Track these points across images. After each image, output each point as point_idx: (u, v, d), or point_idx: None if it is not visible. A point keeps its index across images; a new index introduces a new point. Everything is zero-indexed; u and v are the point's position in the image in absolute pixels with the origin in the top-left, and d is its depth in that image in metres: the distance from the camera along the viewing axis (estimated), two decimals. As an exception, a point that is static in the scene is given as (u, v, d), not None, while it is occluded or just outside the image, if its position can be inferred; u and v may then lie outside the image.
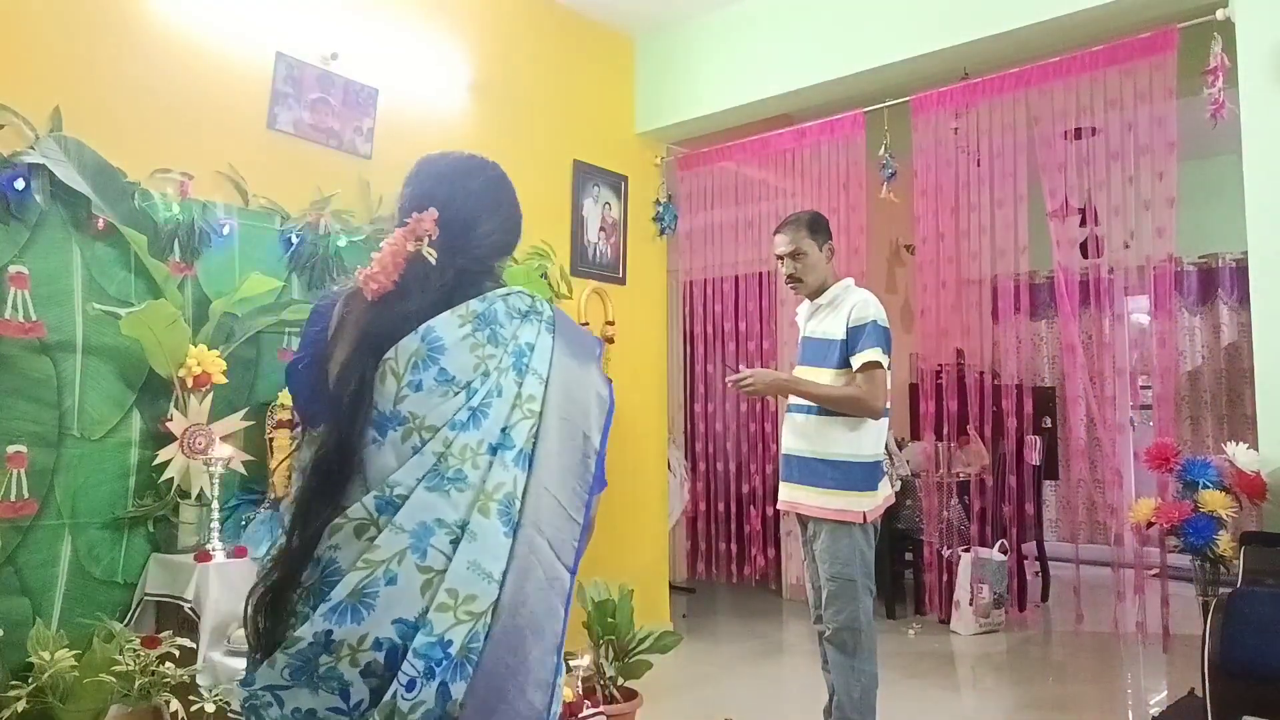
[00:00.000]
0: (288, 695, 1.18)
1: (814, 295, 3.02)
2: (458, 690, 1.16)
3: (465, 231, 1.41)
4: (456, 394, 1.28)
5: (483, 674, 1.18)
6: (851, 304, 2.89)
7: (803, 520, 2.99)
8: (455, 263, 1.37)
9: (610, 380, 1.43)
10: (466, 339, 1.31)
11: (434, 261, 1.35)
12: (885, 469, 2.97)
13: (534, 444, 1.30)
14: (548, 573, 1.29)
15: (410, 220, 1.37)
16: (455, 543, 1.21)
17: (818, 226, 3.01)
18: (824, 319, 2.97)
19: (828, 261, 3.00)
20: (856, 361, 2.83)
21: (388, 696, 1.14)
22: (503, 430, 1.28)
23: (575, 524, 1.34)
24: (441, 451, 1.25)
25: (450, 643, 1.17)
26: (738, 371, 3.04)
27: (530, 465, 1.28)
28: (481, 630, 1.19)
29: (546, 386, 1.33)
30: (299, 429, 3.05)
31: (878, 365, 2.80)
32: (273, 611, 1.23)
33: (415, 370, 1.29)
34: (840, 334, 2.88)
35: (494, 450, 1.27)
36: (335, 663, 1.16)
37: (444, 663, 1.16)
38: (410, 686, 1.14)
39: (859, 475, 2.84)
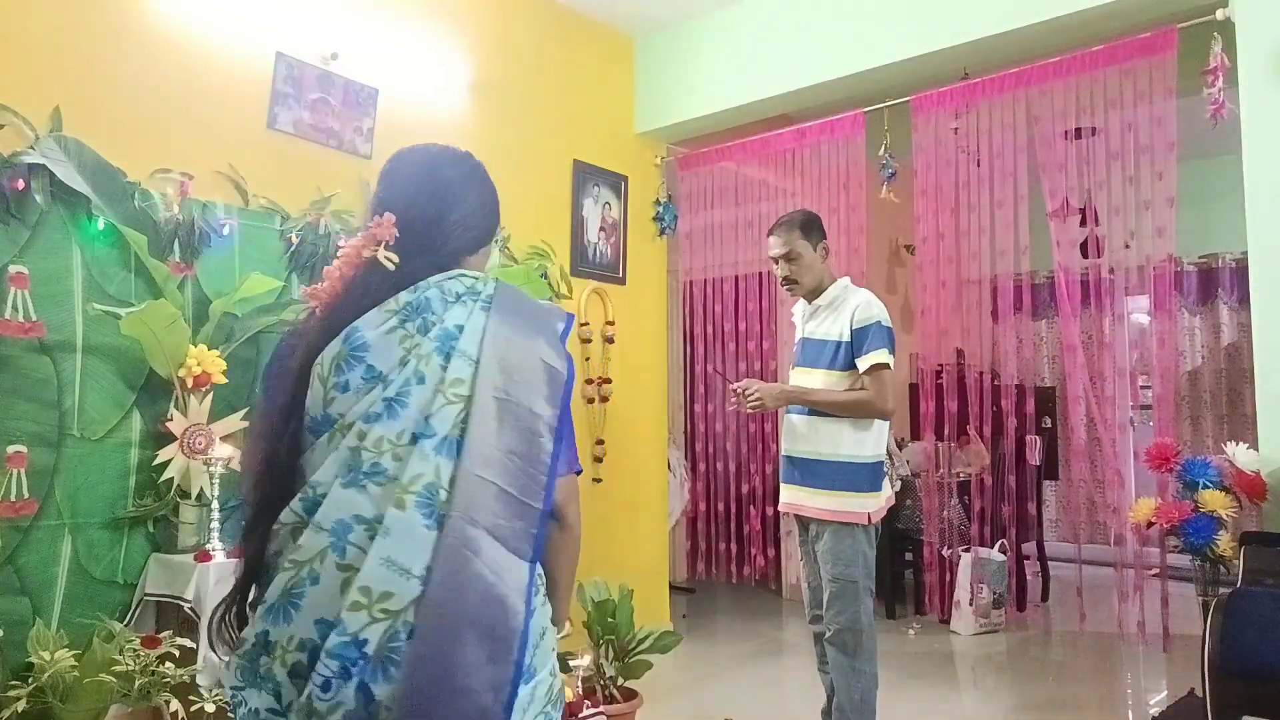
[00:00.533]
0: (244, 695, 1.20)
1: (811, 296, 3.00)
2: (381, 691, 1.12)
3: (432, 228, 1.38)
4: (374, 388, 1.24)
5: (409, 674, 1.12)
6: (854, 305, 2.88)
7: (802, 521, 2.98)
8: (420, 261, 1.34)
9: (568, 354, 1.34)
10: (393, 332, 1.27)
11: (392, 267, 1.32)
12: (885, 469, 2.97)
13: (463, 429, 1.21)
14: (491, 565, 1.17)
15: (370, 225, 1.35)
16: (371, 539, 1.17)
17: (811, 227, 2.98)
18: (824, 320, 2.96)
19: (823, 261, 2.99)
20: (863, 363, 2.82)
21: (302, 698, 1.14)
22: (423, 417, 1.22)
23: (530, 509, 1.22)
24: (355, 445, 1.21)
25: (365, 642, 1.13)
26: (731, 382, 3.02)
27: (459, 451, 1.20)
28: (402, 629, 1.13)
29: (477, 367, 1.25)
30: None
31: (885, 367, 2.80)
32: (236, 618, 1.28)
33: (340, 371, 1.26)
34: (842, 335, 2.87)
35: (415, 439, 1.21)
36: (271, 663, 1.18)
37: (360, 663, 1.12)
38: (325, 687, 1.12)
39: (863, 476, 2.84)
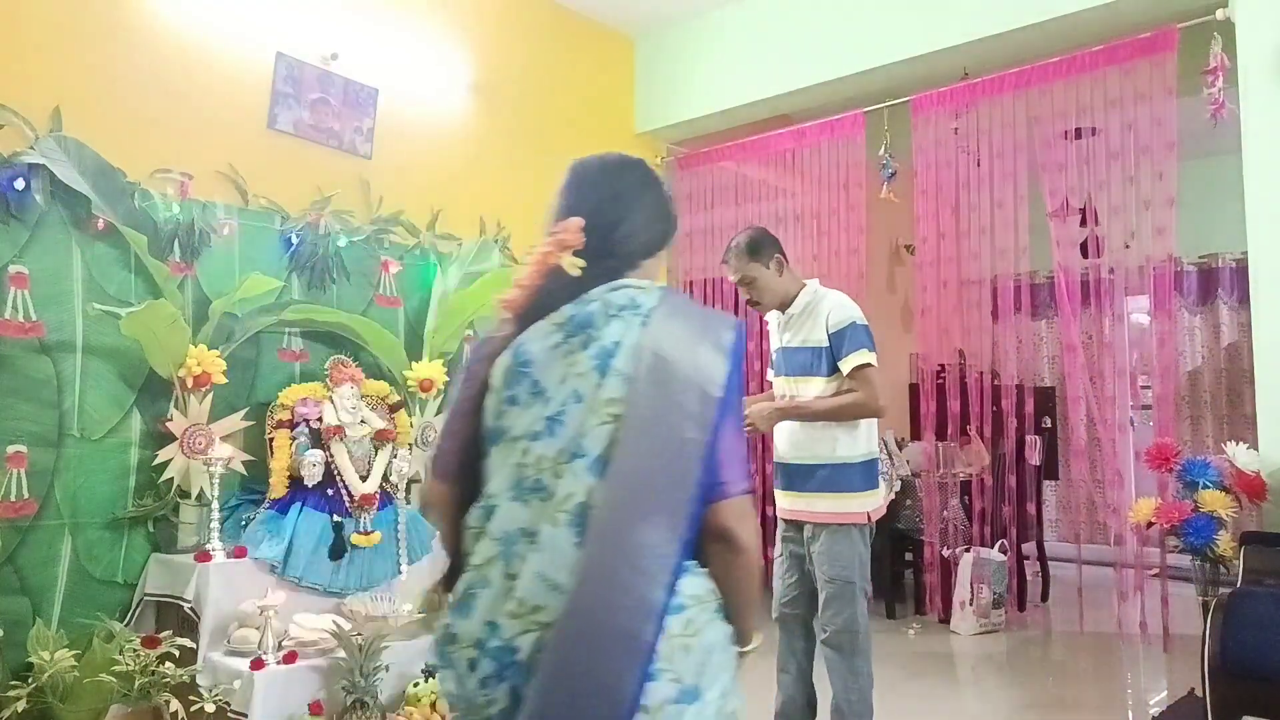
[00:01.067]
0: (441, 674, 1.30)
1: (782, 307, 2.98)
2: (528, 694, 1.17)
3: (609, 234, 1.39)
4: (537, 404, 1.28)
5: (550, 683, 1.16)
6: (828, 309, 2.86)
7: (796, 523, 2.97)
8: (598, 268, 1.35)
9: (735, 364, 1.29)
10: (558, 347, 1.30)
11: (577, 273, 1.33)
12: (882, 466, 2.97)
13: (612, 449, 1.22)
14: (625, 591, 1.18)
15: (555, 230, 1.37)
16: (531, 552, 1.22)
17: (759, 247, 2.94)
18: (801, 328, 2.94)
19: (780, 275, 2.94)
20: (846, 365, 2.81)
21: (468, 689, 1.23)
22: (580, 438, 1.24)
23: (669, 535, 1.19)
24: (520, 461, 1.26)
25: (518, 649, 1.19)
26: None
27: (605, 471, 1.21)
28: (551, 640, 1.17)
29: (631, 385, 1.24)
30: (296, 428, 3.07)
31: (869, 365, 2.80)
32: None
33: (509, 385, 1.31)
34: (821, 341, 2.87)
35: (571, 458, 1.23)
36: (455, 652, 1.26)
37: (512, 667, 1.19)
38: (483, 684, 1.21)
39: (859, 475, 2.83)
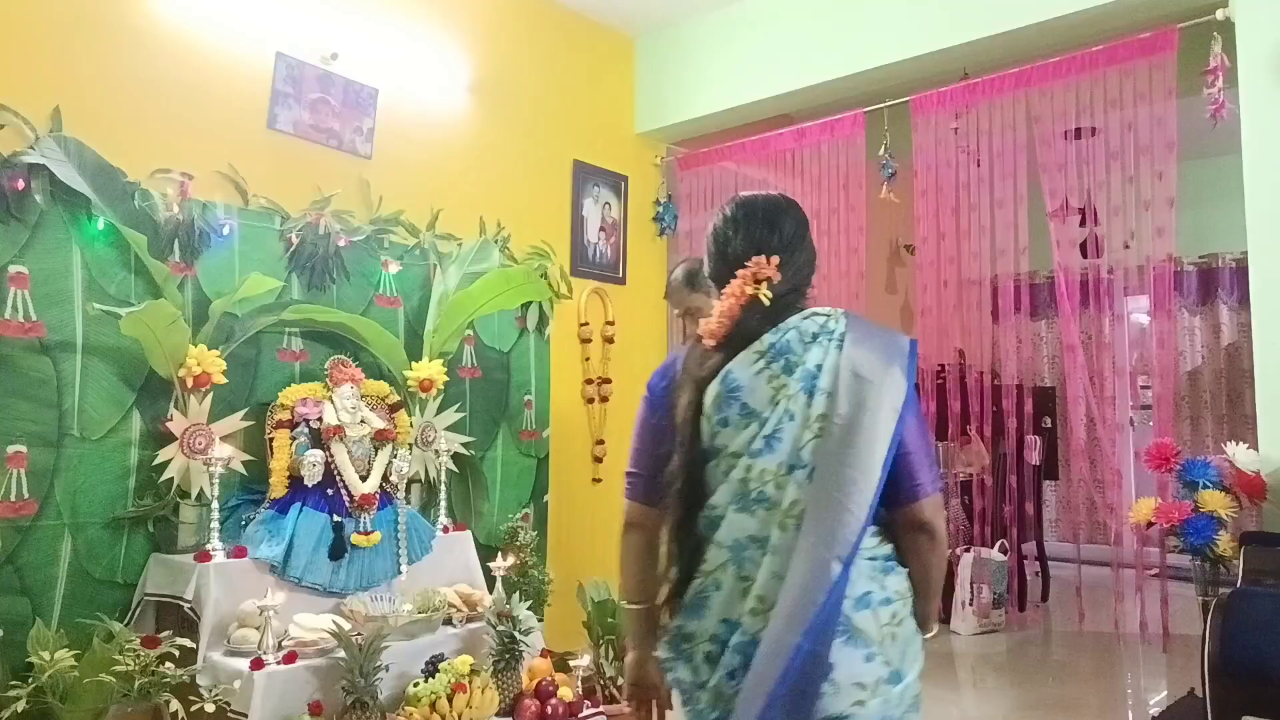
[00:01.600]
0: (673, 665, 1.51)
1: None
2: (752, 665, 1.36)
3: (788, 266, 1.55)
4: (751, 424, 1.45)
5: (792, 670, 1.32)
6: None
7: None
8: (783, 300, 1.52)
9: (911, 382, 1.48)
10: (761, 373, 1.47)
11: (768, 303, 1.50)
12: None
13: (818, 457, 1.41)
14: (823, 571, 1.36)
15: (750, 265, 1.51)
16: (763, 556, 1.40)
17: (695, 277, 2.87)
18: None
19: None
20: None
21: (714, 680, 1.41)
22: (795, 451, 1.42)
23: (857, 527, 1.37)
24: (744, 476, 1.44)
25: (759, 641, 1.36)
26: None
27: (812, 478, 1.40)
28: (771, 617, 1.36)
29: (832, 401, 1.42)
30: (296, 428, 3.07)
31: None
32: (669, 607, 1.54)
33: (719, 410, 1.48)
34: None
35: (790, 470, 1.42)
36: (691, 648, 1.47)
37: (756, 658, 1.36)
38: (730, 675, 1.39)
39: None
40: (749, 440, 1.44)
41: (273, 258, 3.28)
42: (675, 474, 1.51)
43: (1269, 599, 2.49)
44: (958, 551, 4.90)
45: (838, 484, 1.38)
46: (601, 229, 4.68)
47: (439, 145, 3.94)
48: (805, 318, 1.50)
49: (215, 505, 2.79)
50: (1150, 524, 3.09)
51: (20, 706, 2.39)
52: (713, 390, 1.48)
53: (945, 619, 4.95)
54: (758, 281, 1.50)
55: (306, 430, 3.06)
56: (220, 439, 2.94)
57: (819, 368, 1.44)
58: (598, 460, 4.51)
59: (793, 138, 4.63)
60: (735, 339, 1.49)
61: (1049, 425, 5.80)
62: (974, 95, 4.01)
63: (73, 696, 2.43)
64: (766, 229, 1.56)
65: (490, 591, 3.23)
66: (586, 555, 4.23)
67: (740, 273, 1.51)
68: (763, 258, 1.51)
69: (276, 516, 2.94)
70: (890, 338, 1.51)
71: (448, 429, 3.65)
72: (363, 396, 3.22)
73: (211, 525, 2.79)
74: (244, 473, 3.07)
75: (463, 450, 3.73)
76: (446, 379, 3.59)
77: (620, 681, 3.23)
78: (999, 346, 4.64)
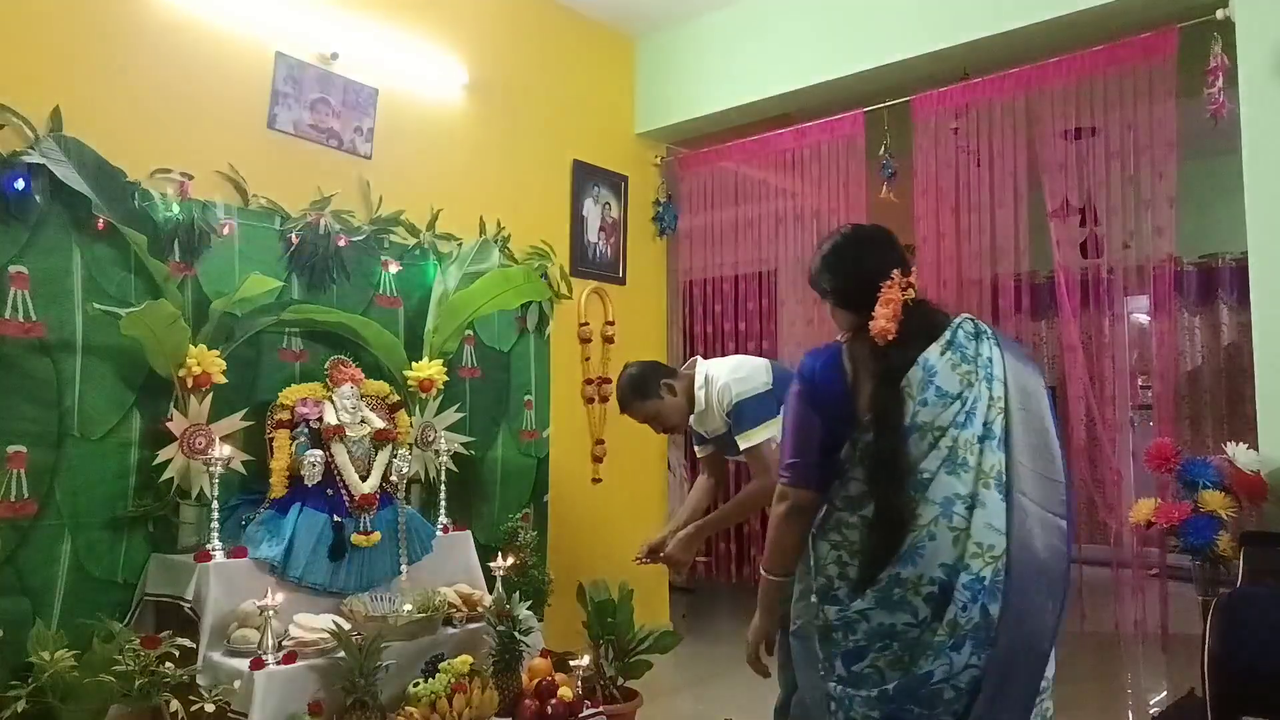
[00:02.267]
0: (873, 614, 1.77)
1: (692, 409, 3.00)
2: (994, 609, 1.70)
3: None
4: (951, 403, 1.78)
5: (1011, 595, 1.70)
6: (716, 395, 2.87)
7: None
8: (919, 309, 1.90)
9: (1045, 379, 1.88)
10: (948, 361, 1.81)
11: (912, 306, 1.87)
12: None
13: (1006, 431, 1.78)
14: (1041, 522, 1.75)
15: (894, 278, 1.86)
16: (970, 509, 1.73)
17: (641, 386, 2.99)
18: (705, 421, 2.98)
19: (675, 394, 2.97)
20: (742, 449, 2.82)
21: (950, 615, 1.70)
22: (985, 425, 1.77)
23: (1056, 484, 1.78)
24: (951, 446, 1.76)
25: (983, 578, 1.70)
26: (643, 561, 3.06)
27: (1006, 447, 1.77)
28: (1001, 567, 1.71)
29: (1006, 387, 1.81)
30: (296, 428, 3.07)
31: (758, 445, 2.78)
32: (868, 562, 1.79)
33: (921, 391, 1.79)
34: (723, 428, 2.90)
35: (982, 440, 1.76)
36: (904, 593, 1.74)
37: (981, 592, 1.70)
38: (964, 608, 1.70)
39: None
40: (954, 416, 1.76)
41: (273, 258, 3.28)
42: (876, 448, 1.79)
43: (1269, 599, 2.49)
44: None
45: (1038, 454, 1.79)
46: (601, 229, 4.68)
47: (439, 145, 3.94)
48: (960, 321, 1.87)
49: (215, 505, 2.80)
50: (1150, 524, 3.08)
51: (20, 706, 2.39)
52: (916, 375, 1.79)
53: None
54: (903, 290, 1.85)
55: (306, 430, 3.07)
56: (220, 439, 2.94)
57: (990, 360, 1.82)
58: (598, 460, 4.51)
59: (793, 138, 4.63)
60: (910, 334, 1.82)
61: (1049, 425, 5.79)
62: (974, 95, 4.01)
63: (73, 696, 2.43)
64: (891, 250, 1.96)
65: (490, 591, 3.23)
66: (586, 555, 4.23)
67: (889, 284, 1.85)
68: (898, 274, 1.87)
69: (276, 516, 2.94)
70: (1024, 344, 1.93)
71: (448, 429, 3.66)
72: (363, 396, 3.22)
73: (211, 525, 2.79)
74: (244, 473, 3.07)
75: (463, 450, 3.74)
76: (446, 379, 3.59)
77: (621, 681, 3.24)
78: (999, 346, 4.63)
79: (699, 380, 2.96)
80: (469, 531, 3.49)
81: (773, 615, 2.04)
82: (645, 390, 2.99)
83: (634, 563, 3.11)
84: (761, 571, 2.00)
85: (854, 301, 1.93)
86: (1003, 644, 1.70)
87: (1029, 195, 4.04)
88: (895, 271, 1.86)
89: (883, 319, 1.82)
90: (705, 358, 3.08)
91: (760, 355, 5.16)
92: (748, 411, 2.80)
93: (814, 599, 1.86)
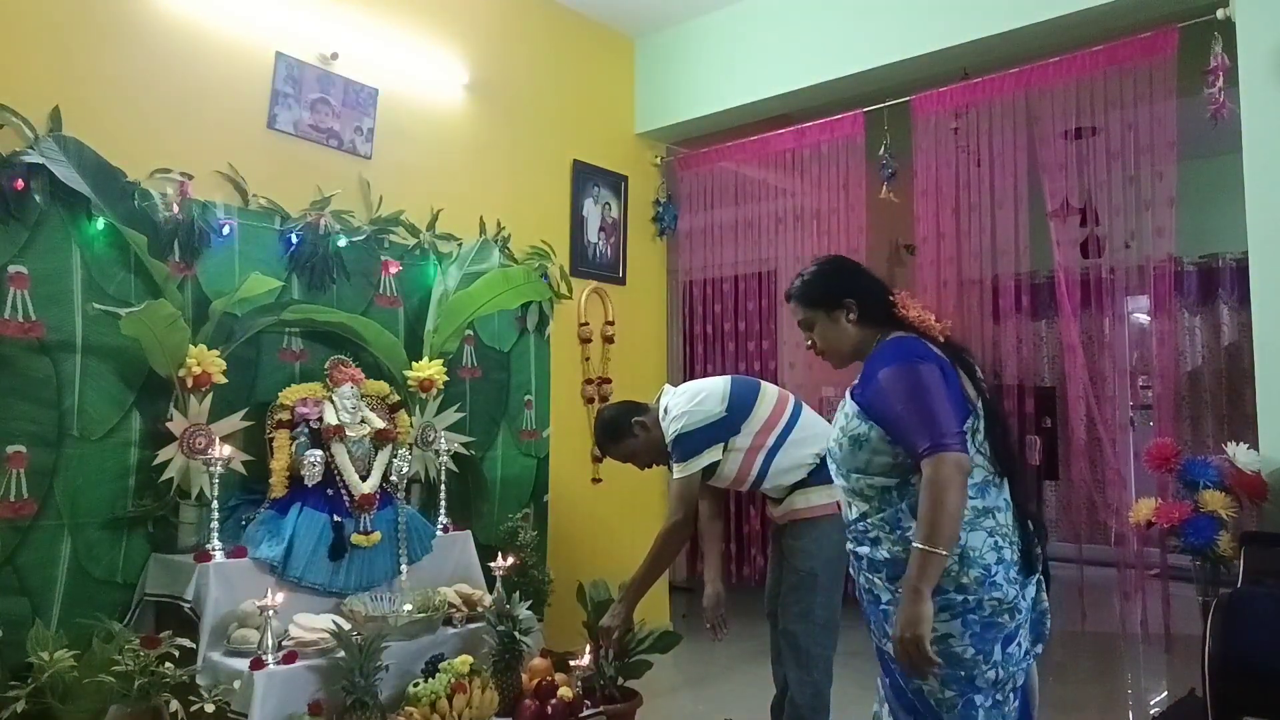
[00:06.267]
0: (1028, 587, 1.89)
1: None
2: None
3: None
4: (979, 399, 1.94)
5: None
6: (667, 427, 2.89)
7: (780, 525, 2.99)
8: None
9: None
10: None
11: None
12: None
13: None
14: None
15: (903, 292, 2.01)
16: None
17: (615, 430, 3.01)
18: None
19: (646, 430, 2.98)
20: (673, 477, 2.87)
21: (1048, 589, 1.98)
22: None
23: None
24: (982, 438, 1.91)
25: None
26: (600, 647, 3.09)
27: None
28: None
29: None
30: (296, 428, 3.07)
31: (681, 478, 2.82)
32: (1029, 545, 1.90)
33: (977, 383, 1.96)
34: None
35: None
36: (1037, 565, 1.92)
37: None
38: (1045, 587, 1.97)
39: (824, 471, 2.83)
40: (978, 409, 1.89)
41: (273, 258, 3.28)
42: (1001, 436, 1.91)
43: (1269, 599, 2.49)
44: (958, 552, 4.89)
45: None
46: (601, 229, 4.68)
47: (439, 145, 3.94)
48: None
49: (215, 505, 2.79)
50: (1150, 524, 3.08)
51: (20, 707, 2.39)
52: (976, 368, 1.97)
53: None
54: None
55: (306, 430, 3.06)
56: (220, 439, 2.93)
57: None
58: (598, 460, 4.51)
59: (793, 138, 4.63)
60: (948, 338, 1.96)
61: (1049, 425, 5.79)
62: (974, 95, 4.01)
63: (72, 697, 2.43)
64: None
65: (490, 591, 3.23)
66: (586, 555, 4.23)
67: (904, 295, 1.99)
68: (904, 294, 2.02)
69: (276, 516, 2.94)
70: None
71: (448, 429, 3.65)
72: (363, 396, 3.22)
73: (211, 525, 2.79)
74: (244, 473, 3.07)
75: (463, 450, 3.73)
76: (446, 379, 3.59)
77: (621, 681, 3.23)
78: (999, 346, 4.63)
79: (660, 412, 2.97)
80: (469, 531, 3.49)
81: (929, 598, 1.76)
82: (618, 432, 3.01)
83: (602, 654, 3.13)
84: (921, 547, 1.73)
85: (876, 311, 1.99)
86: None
87: (1029, 195, 4.03)
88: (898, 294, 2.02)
89: (939, 324, 1.95)
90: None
91: (759, 355, 5.21)
92: (685, 444, 2.82)
93: (974, 592, 1.80)
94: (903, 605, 1.76)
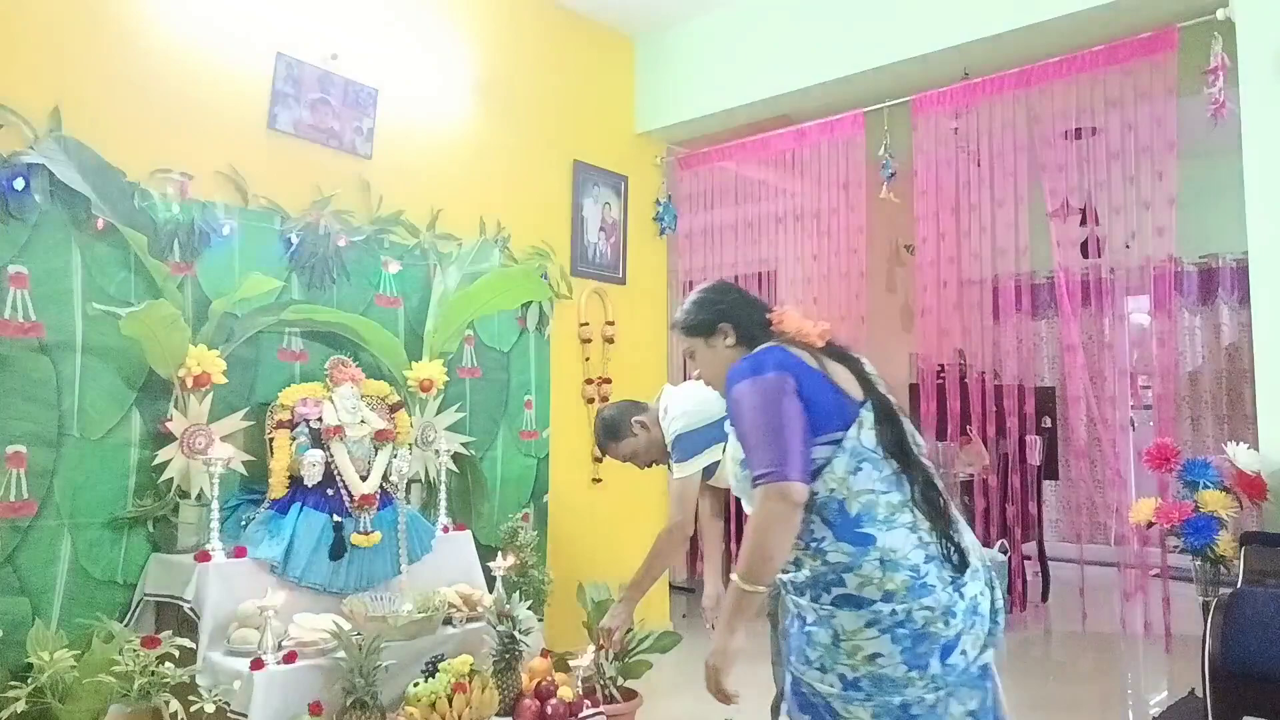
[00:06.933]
0: (968, 589, 1.70)
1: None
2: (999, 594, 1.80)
3: None
4: None
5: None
6: (667, 427, 2.90)
7: None
8: None
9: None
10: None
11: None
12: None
13: None
14: None
15: (781, 306, 1.92)
16: None
17: (615, 429, 3.01)
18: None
19: (646, 429, 2.98)
20: (673, 478, 2.87)
21: (997, 594, 1.79)
22: None
23: None
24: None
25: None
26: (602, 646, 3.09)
27: None
28: None
29: None
30: (296, 428, 3.07)
31: (681, 478, 2.82)
32: (955, 538, 1.73)
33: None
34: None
35: None
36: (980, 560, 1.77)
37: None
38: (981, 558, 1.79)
39: None
40: None
41: (273, 258, 3.28)
42: (895, 429, 1.74)
43: (1269, 599, 2.49)
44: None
45: None
46: (601, 229, 4.68)
47: (439, 145, 3.94)
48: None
49: (215, 505, 2.79)
50: (1150, 524, 3.09)
51: (20, 707, 2.39)
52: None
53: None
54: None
55: (306, 430, 3.06)
56: (220, 439, 2.94)
57: None
58: (598, 460, 4.51)
59: (793, 138, 4.63)
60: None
61: (1049, 425, 5.79)
62: (974, 95, 4.01)
63: (72, 697, 2.43)
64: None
65: (490, 591, 3.23)
66: (586, 555, 4.23)
67: (782, 311, 1.88)
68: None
69: (276, 516, 2.94)
70: None
71: (448, 429, 3.65)
72: (363, 396, 3.22)
73: (211, 525, 2.78)
74: (244, 473, 3.07)
75: (463, 450, 3.73)
76: (446, 379, 3.59)
77: (621, 681, 3.23)
78: (999, 346, 4.63)
79: (660, 412, 2.97)
80: (469, 531, 3.49)
81: (738, 633, 1.74)
82: (618, 432, 3.01)
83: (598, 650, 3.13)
84: (738, 582, 1.68)
85: (755, 330, 1.89)
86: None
87: (1029, 195, 4.04)
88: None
89: (819, 330, 1.84)
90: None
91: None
92: (681, 446, 2.82)
93: (902, 600, 1.62)
94: (716, 634, 1.75)
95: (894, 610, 1.62)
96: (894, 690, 1.63)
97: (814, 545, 1.70)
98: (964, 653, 1.66)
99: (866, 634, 1.63)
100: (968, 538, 1.74)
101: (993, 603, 1.77)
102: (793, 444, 1.65)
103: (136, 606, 2.82)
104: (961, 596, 1.66)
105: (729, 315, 1.93)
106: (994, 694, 1.78)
